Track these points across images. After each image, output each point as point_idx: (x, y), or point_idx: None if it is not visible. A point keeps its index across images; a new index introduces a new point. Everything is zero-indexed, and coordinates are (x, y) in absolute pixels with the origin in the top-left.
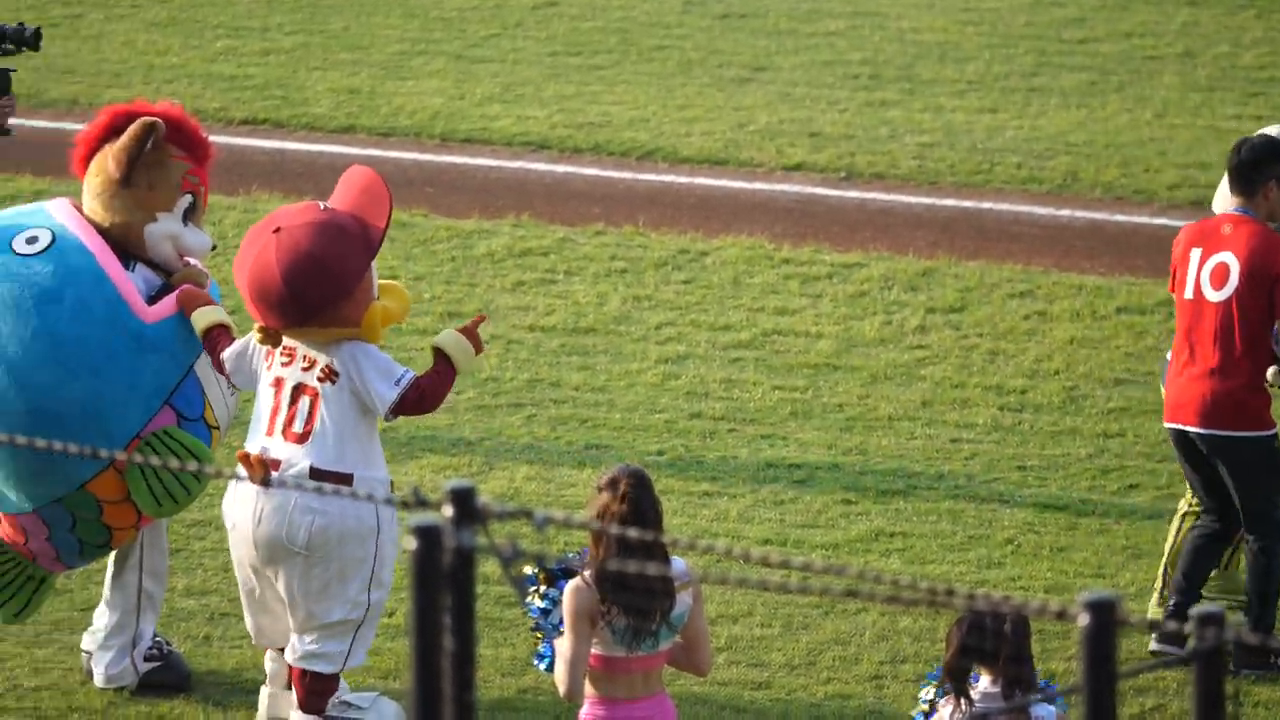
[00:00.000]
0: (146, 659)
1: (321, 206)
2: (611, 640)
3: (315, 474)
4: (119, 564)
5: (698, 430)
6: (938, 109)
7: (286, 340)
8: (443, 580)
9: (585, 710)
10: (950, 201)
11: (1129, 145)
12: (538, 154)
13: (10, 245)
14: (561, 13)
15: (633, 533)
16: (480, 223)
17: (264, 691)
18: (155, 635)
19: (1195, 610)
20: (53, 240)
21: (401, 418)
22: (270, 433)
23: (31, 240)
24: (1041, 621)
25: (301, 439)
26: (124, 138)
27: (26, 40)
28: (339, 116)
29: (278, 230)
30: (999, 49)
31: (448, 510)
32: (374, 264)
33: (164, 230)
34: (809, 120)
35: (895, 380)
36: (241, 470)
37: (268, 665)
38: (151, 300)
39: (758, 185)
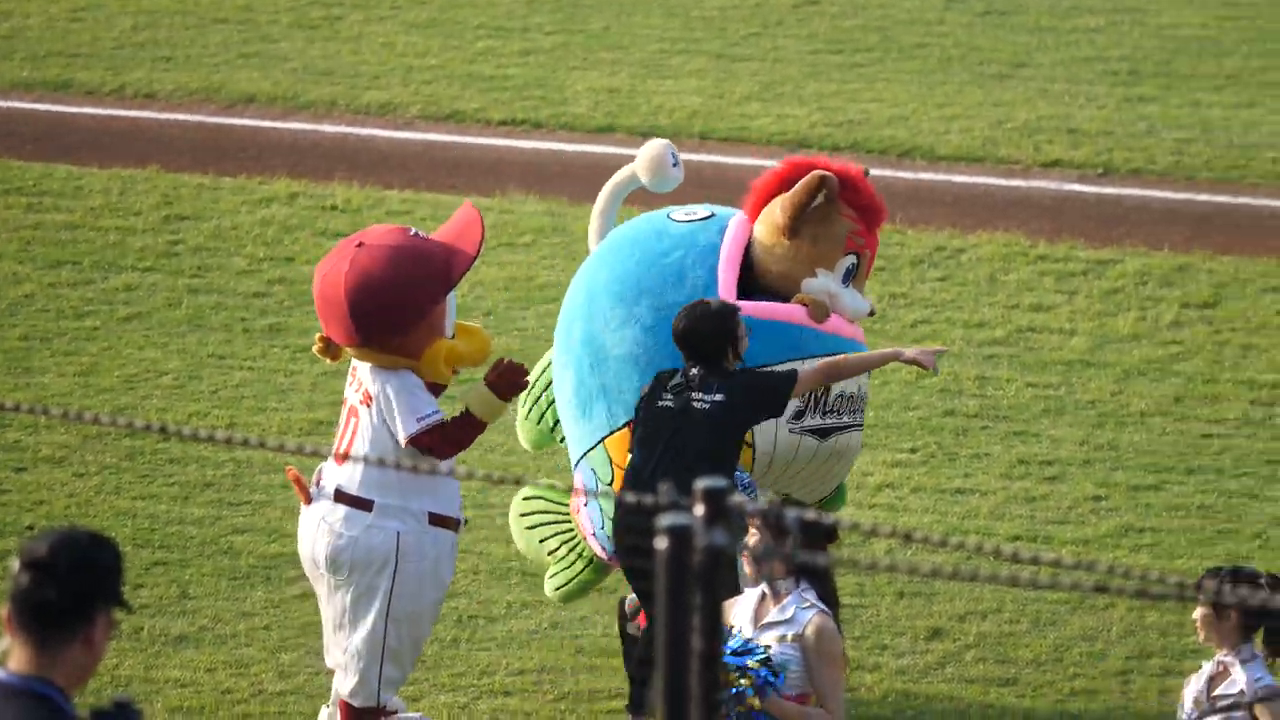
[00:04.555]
0: None
1: (412, 233)
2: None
3: (339, 496)
4: None
5: (951, 427)
6: (1195, 104)
7: (354, 360)
8: (693, 580)
9: None
10: (1206, 197)
11: None
12: (796, 152)
13: (670, 212)
14: (822, 10)
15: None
16: None
17: (323, 712)
18: None
19: None
20: (708, 217)
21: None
22: (332, 453)
23: (690, 213)
24: None
25: (341, 460)
26: (796, 188)
27: None
28: (598, 116)
29: (360, 245)
30: (1257, 43)
31: (699, 509)
32: (450, 302)
33: (821, 286)
34: (1067, 117)
35: (1148, 376)
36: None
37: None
38: None
39: (1015, 182)
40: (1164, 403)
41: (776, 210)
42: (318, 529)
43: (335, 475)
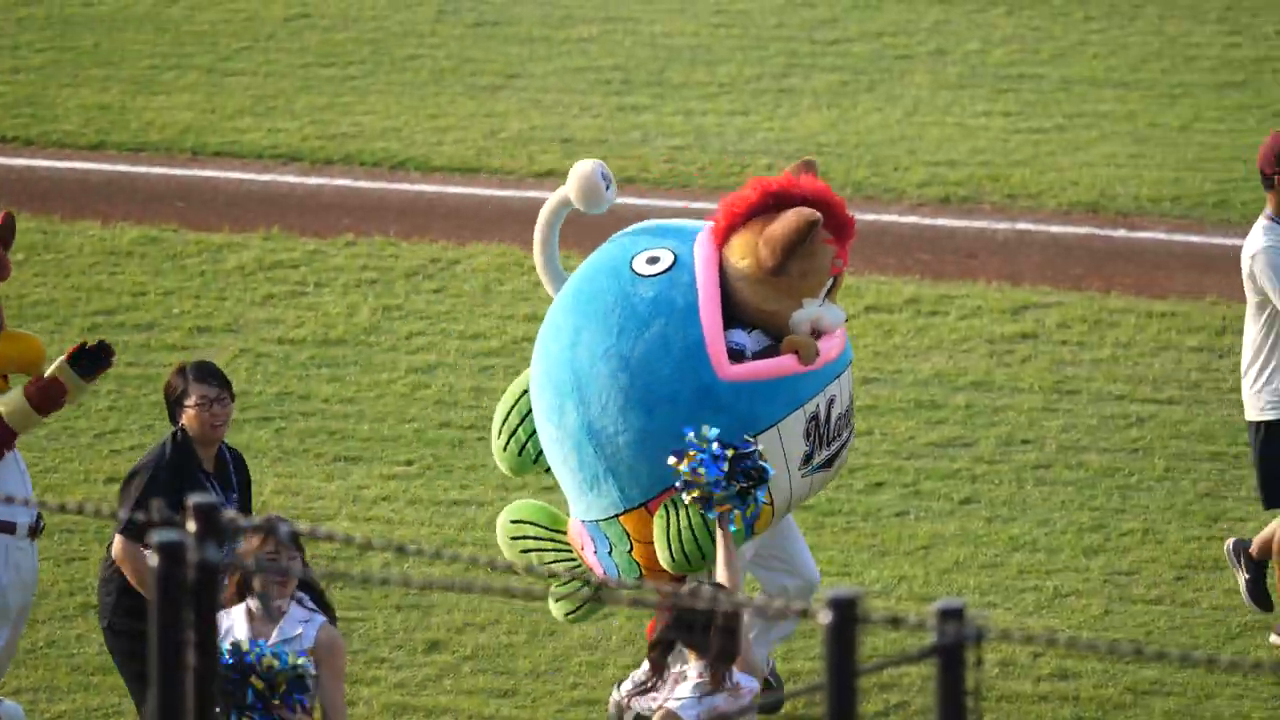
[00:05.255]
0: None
1: None
2: None
3: None
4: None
5: (447, 439)
6: (689, 112)
7: None
8: (186, 596)
9: None
10: (701, 204)
11: (879, 144)
12: (289, 166)
13: (632, 261)
14: (314, 24)
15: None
16: (230, 236)
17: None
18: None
19: (936, 604)
20: (671, 265)
21: None
22: None
23: (653, 260)
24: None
25: None
26: (783, 229)
27: None
28: (89, 133)
29: None
30: (751, 51)
31: (192, 525)
32: None
33: (807, 315)
34: (561, 126)
35: None
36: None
37: None
38: (756, 355)
39: (509, 192)
40: None
41: (763, 250)
42: None
43: None
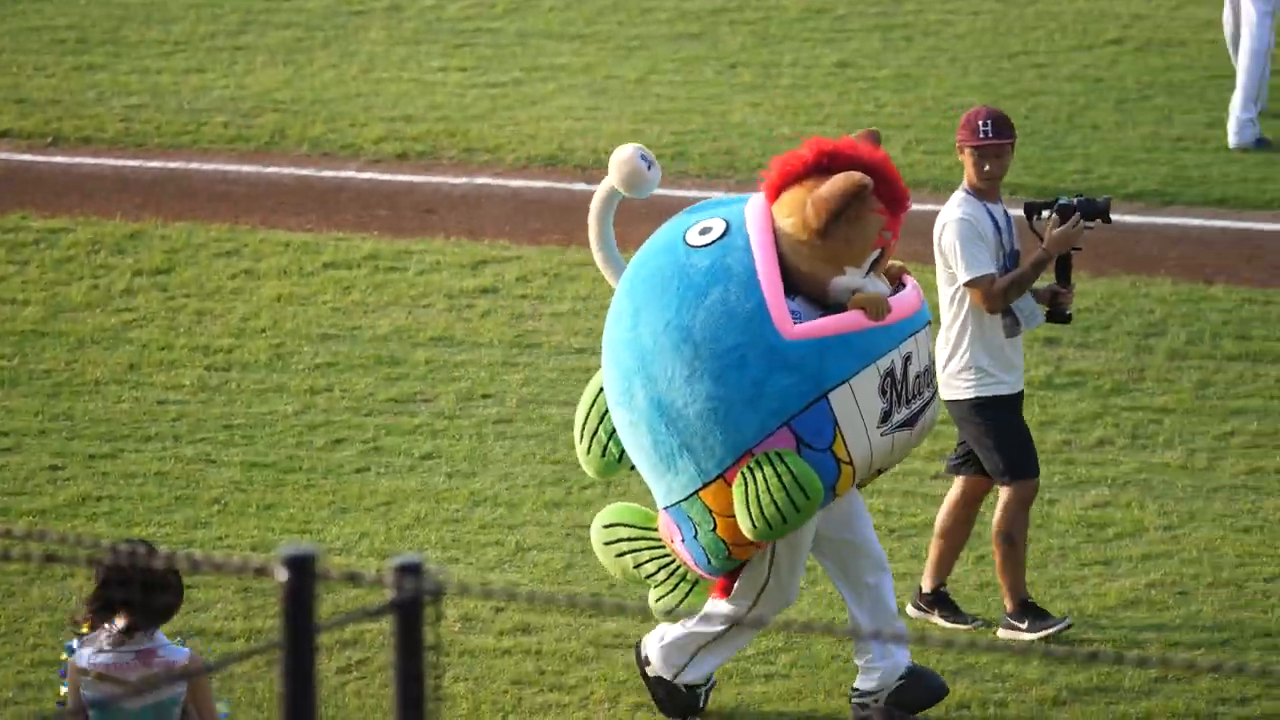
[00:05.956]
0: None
1: None
2: None
3: None
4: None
5: None
6: (144, 71)
7: None
8: None
9: None
10: (157, 163)
11: (335, 100)
12: None
13: (685, 234)
14: None
15: None
16: None
17: None
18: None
19: (394, 560)
20: (724, 233)
21: None
22: None
23: (705, 231)
24: (247, 579)
25: None
26: (832, 190)
27: (1099, 210)
28: None
29: None
30: (204, 8)
31: None
32: None
33: (848, 284)
34: (15, 87)
35: (102, 344)
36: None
37: None
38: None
39: None
40: (119, 370)
41: (809, 210)
42: None
43: None
